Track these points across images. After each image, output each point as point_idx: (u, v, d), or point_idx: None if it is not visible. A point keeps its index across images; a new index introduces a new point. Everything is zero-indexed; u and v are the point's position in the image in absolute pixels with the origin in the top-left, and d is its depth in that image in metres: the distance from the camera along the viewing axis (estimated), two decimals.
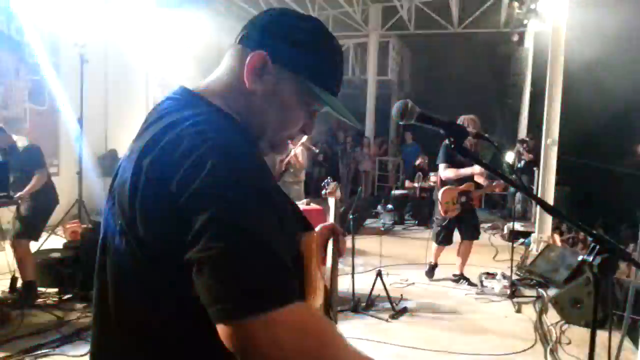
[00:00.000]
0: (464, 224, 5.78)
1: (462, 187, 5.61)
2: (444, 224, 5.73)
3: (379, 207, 10.27)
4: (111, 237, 0.92)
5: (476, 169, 5.47)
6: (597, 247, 1.37)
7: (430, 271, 6.04)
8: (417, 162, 10.62)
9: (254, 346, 0.74)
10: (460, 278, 5.91)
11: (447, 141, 1.29)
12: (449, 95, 13.93)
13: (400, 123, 1.27)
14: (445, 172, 5.59)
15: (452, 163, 5.53)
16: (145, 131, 0.94)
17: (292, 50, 1.00)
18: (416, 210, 10.11)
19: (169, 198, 0.79)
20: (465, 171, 5.51)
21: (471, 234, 5.86)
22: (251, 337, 0.74)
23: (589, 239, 1.42)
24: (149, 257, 0.85)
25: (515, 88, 12.74)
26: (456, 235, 5.92)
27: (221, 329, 0.75)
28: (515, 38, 12.18)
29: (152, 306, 0.88)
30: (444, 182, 5.67)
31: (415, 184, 10.13)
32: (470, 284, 5.82)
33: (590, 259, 1.37)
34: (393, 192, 10.62)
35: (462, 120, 5.44)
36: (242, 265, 0.75)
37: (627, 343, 3.97)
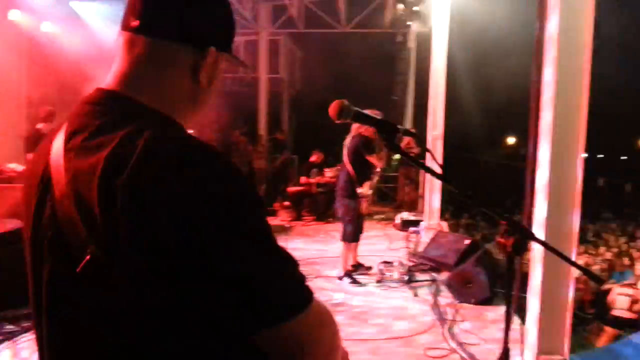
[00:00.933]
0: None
1: (373, 180, 5.86)
2: (359, 221, 5.84)
3: (276, 204, 10.42)
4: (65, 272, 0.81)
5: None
6: (508, 229, 1.60)
7: (353, 273, 5.97)
8: (312, 158, 10.88)
9: (304, 342, 0.83)
10: (357, 266, 6.21)
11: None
12: (339, 93, 14.32)
13: (337, 122, 1.37)
14: (377, 161, 5.74)
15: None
16: (82, 145, 0.83)
17: (210, 26, 0.97)
18: (313, 206, 10.36)
19: (176, 224, 0.75)
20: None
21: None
22: (302, 332, 0.82)
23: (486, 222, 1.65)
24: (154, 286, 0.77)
25: (401, 86, 13.53)
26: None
27: (273, 332, 0.79)
28: (400, 38, 12.92)
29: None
30: (362, 178, 5.68)
31: (312, 180, 10.37)
32: (366, 268, 6.14)
33: (504, 240, 1.60)
34: (290, 188, 10.79)
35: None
36: (274, 270, 0.81)
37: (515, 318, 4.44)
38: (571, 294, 3.38)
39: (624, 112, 30.20)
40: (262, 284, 0.78)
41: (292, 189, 10.58)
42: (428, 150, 2.42)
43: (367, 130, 5.48)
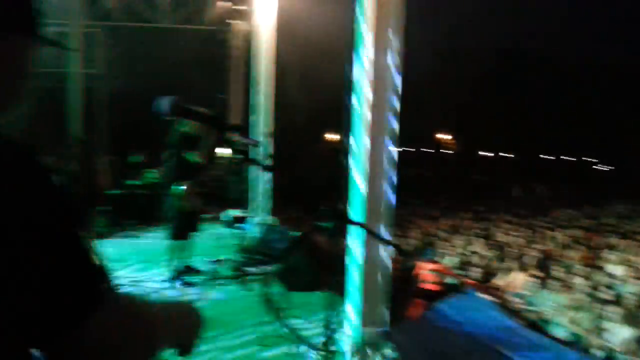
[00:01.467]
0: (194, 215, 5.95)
1: (197, 178, 5.74)
2: (181, 219, 5.71)
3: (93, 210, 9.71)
4: None
5: None
6: (329, 216, 1.76)
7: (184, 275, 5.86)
8: (135, 158, 10.35)
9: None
10: (187, 269, 6.08)
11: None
12: (162, 89, 13.78)
13: (167, 118, 1.37)
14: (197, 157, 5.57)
15: None
16: None
17: (11, 9, 0.88)
18: (136, 209, 9.87)
19: None
20: None
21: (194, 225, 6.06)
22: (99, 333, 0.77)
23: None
24: None
25: (229, 84, 13.49)
26: None
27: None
28: (225, 36, 12.87)
29: None
30: (179, 176, 5.57)
31: (135, 182, 9.87)
32: (196, 271, 6.05)
33: (324, 225, 1.76)
34: (108, 192, 10.11)
35: None
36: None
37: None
38: (389, 270, 3.72)
39: (427, 109, 33.55)
40: (51, 286, 0.73)
41: (112, 192, 9.95)
42: (254, 144, 2.49)
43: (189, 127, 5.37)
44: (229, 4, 11.20)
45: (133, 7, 12.89)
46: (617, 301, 7.17)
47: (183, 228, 5.74)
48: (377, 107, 3.64)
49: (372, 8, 3.59)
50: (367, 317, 3.63)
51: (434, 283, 9.58)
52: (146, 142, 11.36)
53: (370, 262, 3.60)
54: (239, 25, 11.75)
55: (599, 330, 6.81)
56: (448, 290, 9.25)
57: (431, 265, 9.97)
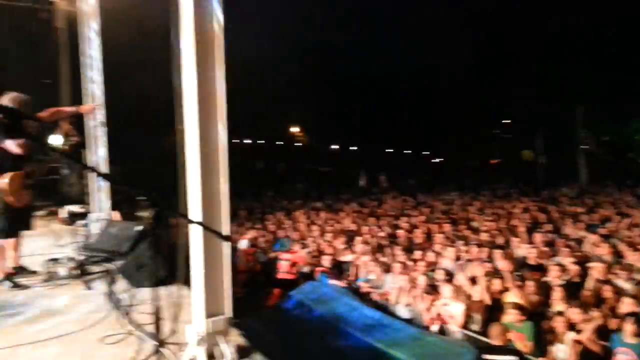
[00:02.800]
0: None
1: (26, 170, 5.09)
2: (12, 215, 5.06)
3: None
4: None
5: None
6: (152, 204, 1.69)
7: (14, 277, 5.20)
8: None
9: None
10: (19, 270, 5.43)
11: None
12: None
13: None
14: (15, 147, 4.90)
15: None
16: None
17: None
18: None
19: None
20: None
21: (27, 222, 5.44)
22: None
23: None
24: None
25: (53, 69, 12.23)
26: None
27: None
28: (44, 15, 11.64)
29: None
30: (1, 169, 4.92)
31: None
32: (30, 272, 5.45)
33: (147, 214, 1.68)
34: None
35: (8, 98, 4.96)
36: None
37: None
38: (227, 260, 3.66)
39: (274, 100, 33.89)
40: None
41: None
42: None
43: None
44: None
45: None
46: (450, 281, 7.93)
47: (12, 225, 5.10)
48: (204, 96, 3.56)
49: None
50: (210, 308, 3.56)
51: (289, 272, 9.79)
52: None
53: (208, 253, 3.52)
54: (61, 4, 10.68)
55: (433, 306, 7.48)
56: (302, 278, 9.51)
57: (287, 255, 10.15)
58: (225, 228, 3.63)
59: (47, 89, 12.24)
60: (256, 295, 9.42)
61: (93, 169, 5.57)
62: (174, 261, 5.11)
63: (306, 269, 9.81)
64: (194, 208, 3.48)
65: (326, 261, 9.54)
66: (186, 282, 4.10)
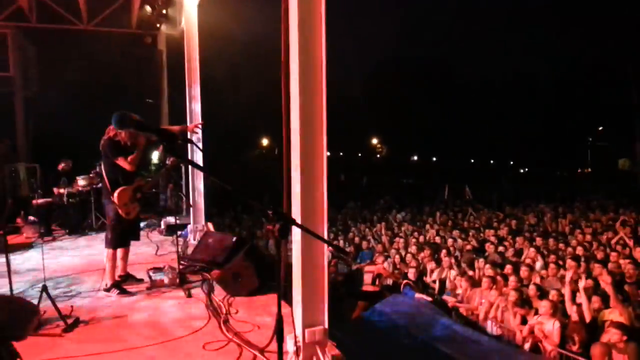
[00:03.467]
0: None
1: (135, 184, 5.51)
2: (122, 226, 5.47)
3: (19, 219, 9.20)
4: None
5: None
6: (274, 217, 1.83)
7: (122, 284, 5.62)
8: (61, 166, 9.85)
9: None
10: (127, 277, 5.86)
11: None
12: (82, 94, 13.31)
13: (119, 130, 1.41)
14: (126, 164, 5.31)
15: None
16: None
17: None
18: (64, 218, 9.44)
19: None
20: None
21: (136, 233, 5.88)
22: None
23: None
24: None
25: (155, 89, 13.14)
26: None
27: None
28: (149, 40, 12.54)
29: None
30: (115, 183, 5.36)
31: (62, 190, 9.40)
32: (136, 280, 5.87)
33: (271, 226, 1.81)
34: (35, 201, 9.60)
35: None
36: None
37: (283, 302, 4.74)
38: (326, 272, 3.80)
39: (359, 116, 34.36)
40: None
41: (37, 201, 9.43)
42: (195, 146, 2.47)
43: (116, 133, 5.19)
44: (148, 9, 10.90)
45: (49, 8, 12.27)
46: (543, 296, 7.61)
47: (123, 236, 5.53)
48: (306, 116, 3.76)
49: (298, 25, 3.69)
50: (307, 319, 3.69)
51: (372, 284, 9.82)
52: (71, 149, 10.89)
53: (309, 264, 3.66)
54: (165, 29, 11.46)
55: (524, 323, 7.21)
56: (386, 290, 9.51)
57: (370, 267, 10.20)
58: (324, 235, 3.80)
59: (151, 107, 13.19)
60: (339, 307, 9.51)
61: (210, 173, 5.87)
62: (270, 271, 5.35)
63: (389, 281, 9.79)
64: (295, 216, 3.66)
65: (411, 274, 9.47)
66: (282, 291, 4.26)
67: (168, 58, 12.45)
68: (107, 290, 5.48)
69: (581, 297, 7.16)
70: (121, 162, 5.31)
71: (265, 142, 40.61)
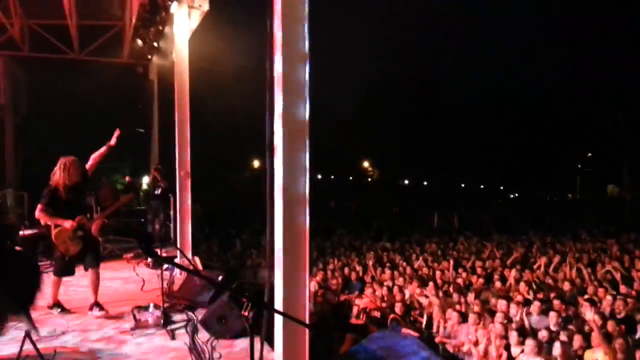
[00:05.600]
0: (88, 254, 5.94)
1: (74, 222, 5.69)
2: (62, 262, 5.88)
3: None
4: None
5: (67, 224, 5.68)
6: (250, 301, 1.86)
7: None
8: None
9: None
10: (95, 305, 6.02)
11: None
12: (73, 122, 13.36)
13: (101, 238, 1.46)
14: (39, 213, 5.67)
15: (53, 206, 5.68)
16: None
17: None
18: (50, 249, 9.37)
19: None
20: (58, 221, 5.69)
21: (92, 262, 6.02)
22: None
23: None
24: None
25: (145, 119, 13.20)
26: None
27: None
28: (140, 70, 12.63)
29: None
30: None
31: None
32: (102, 308, 6.03)
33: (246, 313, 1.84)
34: (22, 232, 9.54)
35: (61, 163, 5.79)
36: None
37: (266, 346, 4.73)
38: (307, 314, 3.82)
39: (349, 138, 34.56)
40: None
41: (24, 232, 9.37)
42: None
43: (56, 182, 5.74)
44: (140, 42, 11.02)
45: (41, 37, 12.35)
46: (527, 332, 7.63)
47: (60, 270, 5.93)
48: (290, 138, 3.87)
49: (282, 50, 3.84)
50: (290, 347, 3.72)
51: (359, 318, 9.79)
52: None
53: (291, 305, 3.69)
54: (156, 59, 11.58)
55: None
56: (374, 324, 9.48)
57: (359, 300, 10.17)
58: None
59: (141, 136, 13.23)
60: (327, 339, 9.45)
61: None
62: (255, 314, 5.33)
63: (377, 314, 9.76)
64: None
65: (398, 307, 9.46)
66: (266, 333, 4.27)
67: (160, 87, 12.53)
68: (50, 307, 6.00)
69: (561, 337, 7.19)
70: (38, 207, 5.67)
71: (256, 163, 40.69)
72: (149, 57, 11.73)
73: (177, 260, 8.17)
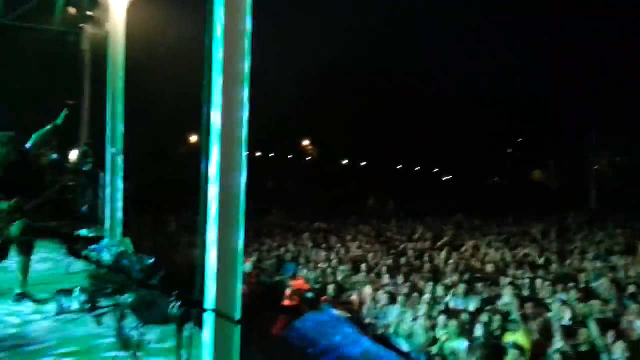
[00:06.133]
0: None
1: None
2: None
3: None
4: None
5: None
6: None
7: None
8: None
9: None
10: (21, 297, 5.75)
11: None
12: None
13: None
14: None
15: None
16: None
17: None
18: None
19: None
20: None
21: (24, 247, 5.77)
22: None
23: None
24: None
25: (76, 90, 12.57)
26: None
27: None
28: (72, 39, 12.00)
29: None
30: None
31: None
32: (34, 300, 5.74)
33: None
34: None
35: None
36: None
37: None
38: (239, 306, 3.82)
39: (291, 116, 34.29)
40: None
41: None
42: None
43: None
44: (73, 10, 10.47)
45: None
46: (452, 314, 8.01)
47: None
48: (228, 115, 3.83)
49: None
50: (221, 344, 3.71)
51: (292, 299, 9.91)
52: None
53: (222, 297, 3.67)
54: (89, 29, 11.06)
55: (435, 342, 7.57)
56: (306, 306, 9.63)
57: (294, 281, 10.28)
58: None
59: (72, 109, 12.55)
60: (259, 320, 9.52)
61: None
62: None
63: (310, 295, 9.92)
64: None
65: (331, 289, 9.65)
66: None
67: (93, 59, 11.96)
68: None
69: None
70: None
71: (194, 139, 39.75)
72: (82, 25, 11.17)
73: (105, 243, 7.93)
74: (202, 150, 3.96)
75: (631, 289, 8.81)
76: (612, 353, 6.43)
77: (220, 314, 1.60)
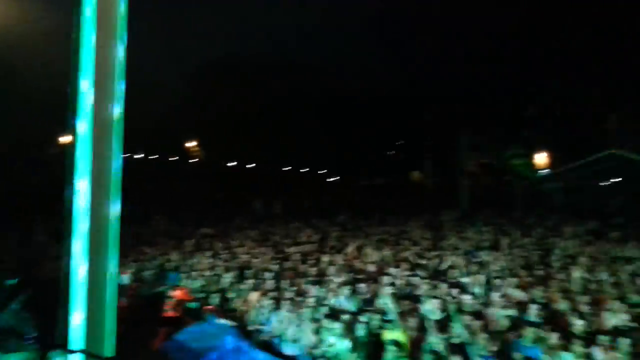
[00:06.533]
0: None
1: None
2: None
3: None
4: None
5: None
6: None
7: None
8: None
9: None
10: None
11: None
12: None
13: None
14: None
15: None
16: None
17: None
18: None
19: None
20: None
21: None
22: None
23: None
24: None
25: None
26: None
27: None
28: None
29: None
30: None
31: None
32: None
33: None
34: None
35: None
36: None
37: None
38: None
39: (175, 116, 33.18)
40: None
41: None
42: None
43: None
44: None
45: None
46: (336, 316, 8.18)
47: None
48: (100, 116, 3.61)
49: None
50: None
51: (174, 310, 9.53)
52: None
53: (92, 331, 3.44)
54: None
55: (320, 344, 7.67)
56: (189, 316, 9.31)
57: (175, 292, 9.87)
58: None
59: None
60: (139, 332, 9.06)
61: None
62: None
63: (194, 305, 9.63)
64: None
65: (215, 298, 9.44)
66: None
67: None
68: None
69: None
70: None
71: (62, 140, 36.85)
72: None
73: None
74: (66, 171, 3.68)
75: (497, 282, 9.60)
76: (476, 343, 6.97)
77: (90, 354, 1.45)
